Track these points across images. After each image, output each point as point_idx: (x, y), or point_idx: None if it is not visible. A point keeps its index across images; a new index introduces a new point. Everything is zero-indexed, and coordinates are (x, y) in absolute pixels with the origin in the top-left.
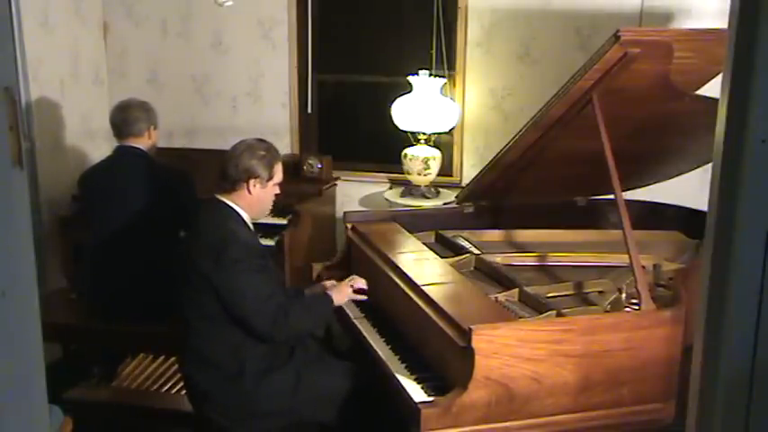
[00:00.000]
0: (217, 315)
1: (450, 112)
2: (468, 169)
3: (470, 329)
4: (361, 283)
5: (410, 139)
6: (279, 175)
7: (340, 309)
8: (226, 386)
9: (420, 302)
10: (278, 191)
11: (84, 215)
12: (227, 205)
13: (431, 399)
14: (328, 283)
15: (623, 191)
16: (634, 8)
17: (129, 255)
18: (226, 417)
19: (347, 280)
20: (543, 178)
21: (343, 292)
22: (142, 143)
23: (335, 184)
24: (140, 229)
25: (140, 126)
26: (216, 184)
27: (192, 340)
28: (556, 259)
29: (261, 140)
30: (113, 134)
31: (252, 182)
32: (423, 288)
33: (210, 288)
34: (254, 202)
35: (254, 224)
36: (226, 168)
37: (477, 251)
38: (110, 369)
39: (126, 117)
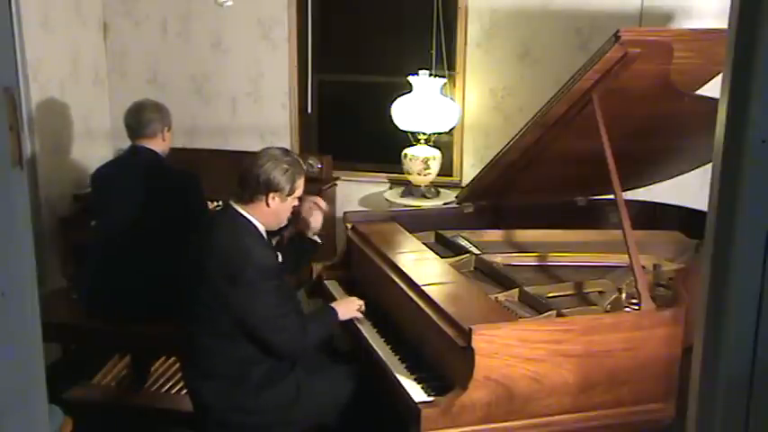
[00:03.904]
0: (227, 332)
1: (450, 112)
2: (468, 169)
3: (470, 329)
4: (362, 306)
5: (410, 139)
6: (300, 189)
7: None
8: (227, 398)
9: (420, 302)
10: (297, 203)
11: (88, 213)
12: (244, 217)
13: (431, 399)
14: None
15: (623, 191)
16: (634, 8)
17: (133, 254)
18: (226, 428)
19: (355, 301)
20: (543, 178)
21: (349, 310)
22: (155, 144)
23: (335, 184)
24: (146, 229)
25: (154, 127)
26: (234, 191)
27: (198, 354)
28: (556, 259)
29: (285, 152)
30: (127, 134)
31: (271, 195)
32: (423, 288)
33: (225, 307)
34: (271, 214)
35: None
36: (246, 178)
37: (477, 251)
38: (140, 374)
39: (140, 118)
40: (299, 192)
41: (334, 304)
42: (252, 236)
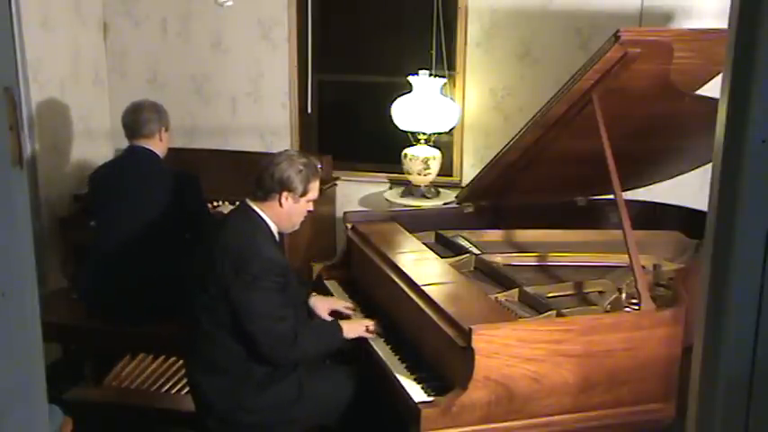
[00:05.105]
0: (229, 324)
1: (450, 112)
2: (468, 169)
3: (470, 329)
4: (373, 327)
5: (410, 139)
6: (314, 192)
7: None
8: (229, 395)
9: (420, 302)
10: (311, 207)
11: (88, 213)
12: (257, 214)
13: (431, 399)
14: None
15: (623, 191)
16: (634, 8)
17: (133, 255)
18: (227, 425)
19: (364, 321)
20: (543, 178)
21: (356, 330)
22: (153, 145)
23: (335, 184)
24: (146, 230)
25: (151, 127)
26: (250, 189)
27: (200, 345)
28: (556, 259)
29: (302, 154)
30: (125, 135)
31: (285, 194)
32: (423, 288)
33: (227, 299)
34: (283, 214)
35: None
36: (261, 176)
37: (477, 251)
38: (102, 369)
39: (137, 118)
40: (312, 194)
41: (342, 322)
42: (263, 234)
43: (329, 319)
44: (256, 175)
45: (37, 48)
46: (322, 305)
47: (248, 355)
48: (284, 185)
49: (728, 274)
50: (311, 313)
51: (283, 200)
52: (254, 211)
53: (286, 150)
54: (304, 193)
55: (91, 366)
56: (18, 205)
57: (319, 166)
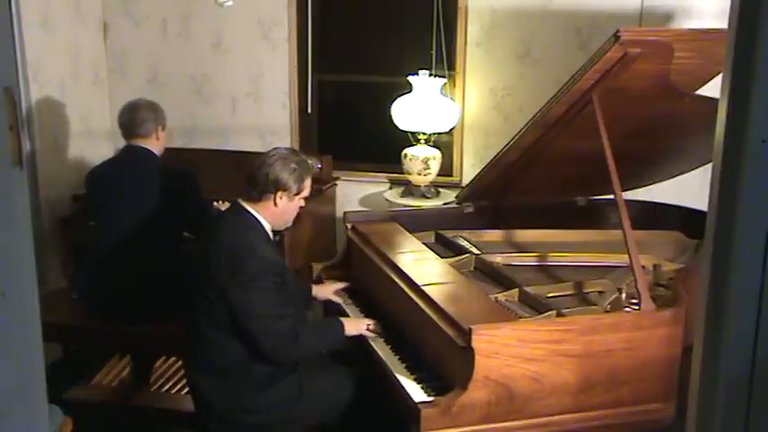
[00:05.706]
0: (228, 327)
1: (450, 112)
2: (468, 169)
3: (470, 329)
4: (374, 326)
5: (410, 139)
6: (307, 189)
7: (340, 309)
8: (229, 395)
9: (420, 302)
10: (303, 204)
11: (88, 213)
12: (251, 215)
13: (431, 399)
14: (329, 288)
15: (623, 191)
16: (634, 8)
17: (132, 255)
18: (227, 426)
19: (366, 320)
20: (543, 178)
21: (358, 328)
22: (150, 144)
23: (335, 184)
24: (144, 229)
25: (148, 126)
26: (243, 189)
27: (199, 347)
28: (556, 259)
29: (294, 152)
30: (122, 134)
31: (280, 194)
32: (423, 288)
33: (224, 301)
34: (278, 213)
35: None
36: (255, 176)
37: (477, 251)
38: (143, 371)
39: (134, 117)
40: (306, 192)
41: (343, 320)
42: (258, 234)
43: (338, 299)
44: (249, 175)
45: (37, 48)
46: (323, 292)
47: (249, 355)
48: (279, 186)
49: (728, 274)
50: (327, 309)
51: (278, 199)
52: (247, 211)
53: (276, 149)
54: (298, 192)
55: (91, 366)
56: (18, 205)
57: (318, 165)
